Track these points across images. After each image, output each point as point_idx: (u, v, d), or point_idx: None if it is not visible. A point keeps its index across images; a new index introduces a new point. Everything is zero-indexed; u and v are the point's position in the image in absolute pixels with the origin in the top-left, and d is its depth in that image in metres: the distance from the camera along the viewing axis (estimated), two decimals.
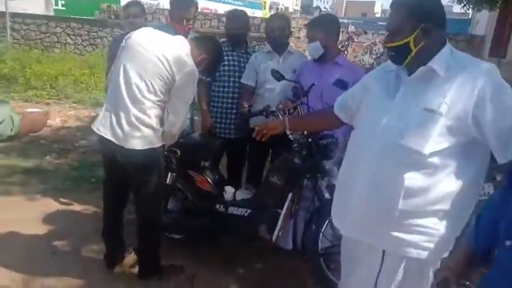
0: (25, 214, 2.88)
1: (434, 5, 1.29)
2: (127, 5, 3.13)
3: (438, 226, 1.28)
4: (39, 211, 2.98)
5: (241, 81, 2.80)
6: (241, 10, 3.07)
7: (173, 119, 2.03)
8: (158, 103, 1.99)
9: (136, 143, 1.97)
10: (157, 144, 2.05)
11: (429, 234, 1.29)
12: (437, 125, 1.21)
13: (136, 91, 1.94)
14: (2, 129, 1.50)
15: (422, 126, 1.23)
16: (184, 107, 2.06)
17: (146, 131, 1.98)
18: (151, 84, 1.94)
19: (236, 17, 2.86)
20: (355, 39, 11.87)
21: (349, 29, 12.03)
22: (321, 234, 2.14)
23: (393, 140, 1.27)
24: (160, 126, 2.04)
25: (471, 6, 7.00)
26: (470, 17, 14.99)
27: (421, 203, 1.27)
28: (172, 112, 2.02)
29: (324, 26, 2.42)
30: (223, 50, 2.40)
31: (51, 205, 3.10)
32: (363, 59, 11.95)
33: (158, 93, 1.96)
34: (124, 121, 1.96)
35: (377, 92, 1.41)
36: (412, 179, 1.25)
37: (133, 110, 1.95)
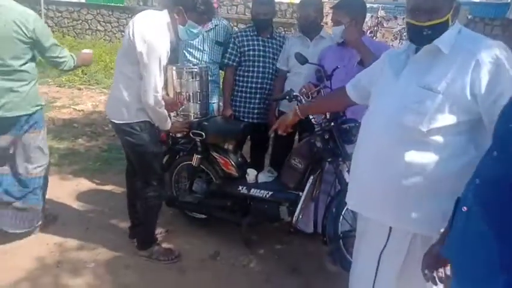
0: (60, 192, 3.06)
1: None
2: None
3: (442, 204, 1.27)
4: (73, 190, 3.15)
5: (277, 66, 2.85)
6: None
7: (142, 88, 2.03)
8: (131, 75, 2.06)
9: (112, 117, 2.17)
10: (130, 120, 2.11)
11: (433, 212, 1.29)
12: (434, 102, 1.22)
13: (117, 68, 2.17)
14: (70, 62, 2.45)
15: (419, 104, 1.25)
16: (149, 76, 1.99)
17: (119, 106, 2.11)
18: (123, 55, 2.10)
19: (262, 3, 2.83)
20: (385, 25, 11.52)
21: (379, 13, 11.69)
22: (342, 217, 2.16)
23: (394, 118, 1.31)
24: (136, 102, 2.08)
25: None
26: (509, 0, 14.16)
27: (423, 181, 1.27)
28: (142, 82, 2.04)
29: (350, 9, 2.38)
30: None
31: (84, 184, 3.27)
32: (392, 45, 11.58)
33: (126, 63, 2.07)
34: (109, 97, 2.26)
35: (387, 73, 1.44)
36: (413, 156, 1.27)
37: (113, 86, 2.19)
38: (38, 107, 2.35)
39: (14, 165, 2.37)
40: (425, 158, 1.26)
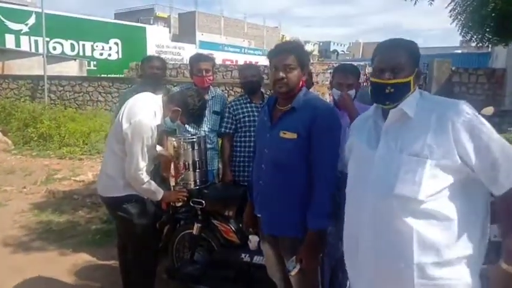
0: (58, 269, 2.99)
1: (419, 53, 1.36)
2: (148, 59, 3.13)
3: (457, 275, 1.22)
4: (72, 265, 3.08)
5: None
6: (251, 63, 3.24)
7: (126, 165, 2.13)
8: (118, 152, 2.16)
9: (101, 191, 2.26)
10: (118, 193, 2.18)
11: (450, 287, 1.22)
12: (426, 168, 1.20)
13: (107, 145, 2.28)
14: None
15: (411, 173, 1.21)
16: (131, 156, 2.09)
17: (107, 181, 2.22)
18: (112, 133, 2.22)
19: (247, 67, 3.03)
20: None
21: (366, 70, 12.26)
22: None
23: (386, 192, 1.25)
24: (122, 178, 2.16)
25: (486, 42, 6.95)
26: (489, 50, 14.93)
27: (433, 252, 1.21)
28: (126, 160, 2.14)
29: (353, 72, 2.50)
30: (195, 99, 2.28)
31: (83, 259, 3.20)
32: None
33: (114, 141, 2.18)
34: (100, 172, 2.32)
35: (359, 145, 1.42)
36: (417, 227, 1.21)
37: (103, 162, 2.31)
38: None
39: None
40: (429, 227, 1.21)
